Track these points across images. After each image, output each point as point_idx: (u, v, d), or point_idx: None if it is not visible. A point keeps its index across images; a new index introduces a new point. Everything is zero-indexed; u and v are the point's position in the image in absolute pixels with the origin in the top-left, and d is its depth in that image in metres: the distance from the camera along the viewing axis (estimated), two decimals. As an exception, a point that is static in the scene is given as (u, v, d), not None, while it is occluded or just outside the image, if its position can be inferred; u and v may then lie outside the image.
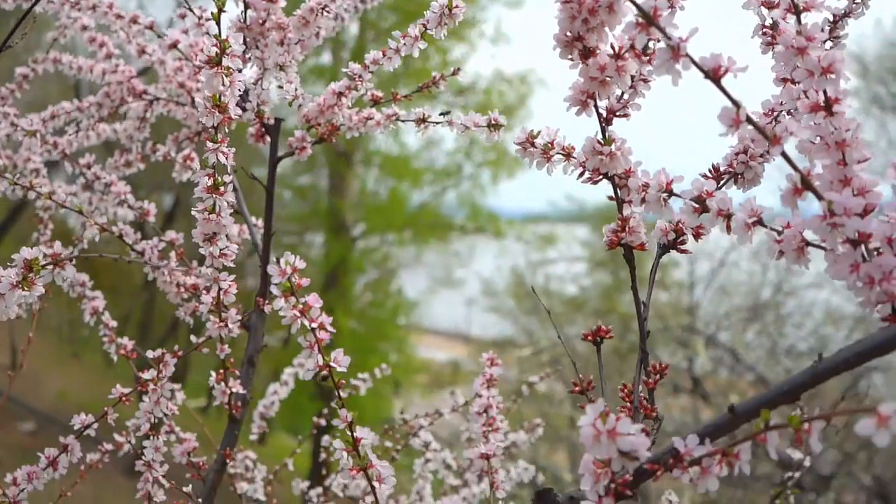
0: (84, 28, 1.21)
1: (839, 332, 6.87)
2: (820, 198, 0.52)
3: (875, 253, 0.53)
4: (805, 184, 0.52)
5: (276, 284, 0.62)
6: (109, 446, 1.14)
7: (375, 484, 0.66)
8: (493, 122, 0.85)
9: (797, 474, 1.09)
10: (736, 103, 0.52)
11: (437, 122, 0.96)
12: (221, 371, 0.98)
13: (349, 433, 0.66)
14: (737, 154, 0.70)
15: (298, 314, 0.63)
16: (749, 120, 0.51)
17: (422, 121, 0.97)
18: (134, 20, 1.11)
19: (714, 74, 0.52)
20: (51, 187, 1.20)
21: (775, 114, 0.70)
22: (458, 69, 1.02)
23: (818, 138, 0.55)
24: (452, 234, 12.45)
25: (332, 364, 0.64)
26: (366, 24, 9.18)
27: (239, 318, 0.93)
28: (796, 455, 1.11)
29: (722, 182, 0.70)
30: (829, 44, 0.73)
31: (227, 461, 1.00)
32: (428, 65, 11.05)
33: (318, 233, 11.90)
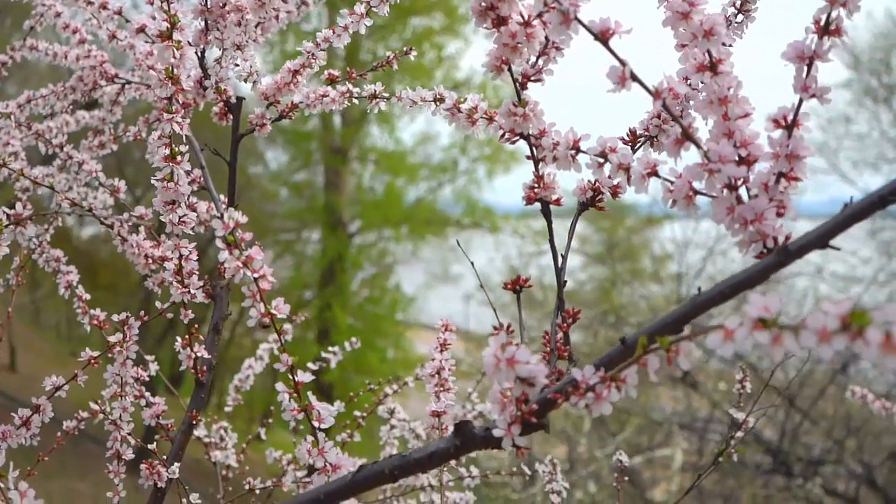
0: (58, 15, 1.26)
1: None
2: (699, 147, 0.57)
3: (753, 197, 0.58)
4: (686, 135, 0.58)
5: (219, 237, 0.68)
6: (85, 414, 1.19)
7: (315, 423, 0.71)
8: (437, 97, 0.90)
9: (740, 433, 1.15)
10: (622, 62, 0.57)
11: (387, 97, 1.02)
12: (187, 336, 1.03)
13: (291, 377, 0.71)
14: (651, 118, 0.75)
15: (241, 265, 0.68)
16: (633, 77, 0.57)
17: (373, 97, 1.02)
18: (103, 6, 1.16)
19: (603, 36, 0.57)
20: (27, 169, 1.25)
21: (689, 80, 0.76)
22: (411, 49, 1.08)
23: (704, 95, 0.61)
24: (449, 229, 12.50)
25: (273, 311, 0.70)
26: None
27: (201, 284, 0.98)
28: (739, 415, 1.17)
29: (639, 144, 0.75)
30: (740, 17, 0.79)
31: (194, 423, 1.06)
32: (423, 61, 11.11)
33: (314, 229, 11.95)
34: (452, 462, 1.37)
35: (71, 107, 1.27)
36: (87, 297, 1.18)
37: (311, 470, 0.69)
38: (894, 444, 6.04)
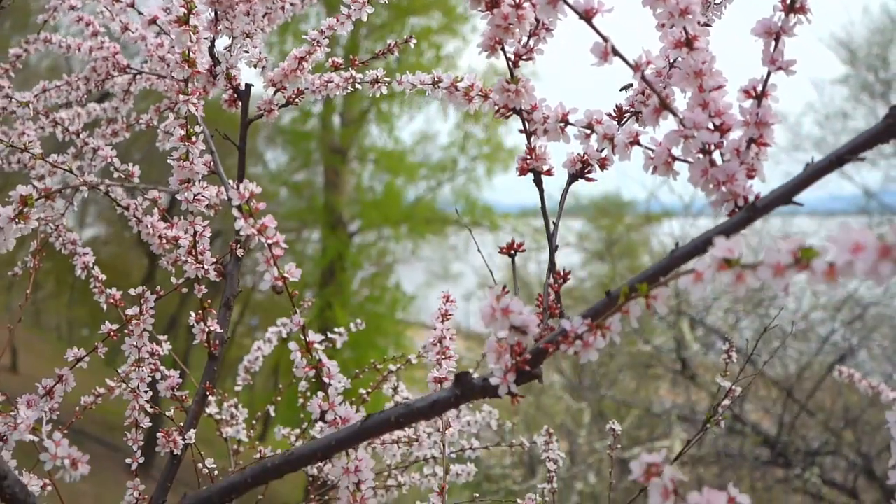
0: (72, 7, 1.32)
1: (825, 313, 6.99)
2: (676, 115, 0.63)
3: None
4: (663, 104, 0.63)
5: (235, 207, 0.73)
6: (102, 390, 1.24)
7: (326, 380, 0.77)
8: (436, 79, 0.96)
9: (727, 402, 1.20)
10: (604, 38, 0.62)
11: (388, 82, 1.07)
12: (200, 311, 1.09)
13: (302, 337, 0.77)
14: (636, 94, 0.80)
15: (256, 232, 0.74)
16: (615, 51, 0.62)
17: (375, 81, 1.08)
18: (116, -1, 1.22)
19: (587, 15, 0.63)
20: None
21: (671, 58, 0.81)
22: (411, 37, 1.13)
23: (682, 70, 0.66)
24: (448, 228, 12.55)
25: (286, 275, 0.75)
26: (359, 19, 9.28)
27: (213, 259, 1.03)
28: (725, 383, 1.22)
29: (625, 119, 0.81)
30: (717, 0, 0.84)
31: (207, 393, 1.11)
32: (422, 60, 11.17)
33: (314, 229, 12.00)
34: (456, 437, 1.42)
35: (84, 97, 1.32)
36: (103, 277, 1.23)
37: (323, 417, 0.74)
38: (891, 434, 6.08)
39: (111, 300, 1.18)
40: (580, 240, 10.19)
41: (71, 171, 1.11)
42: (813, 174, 0.58)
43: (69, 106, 1.36)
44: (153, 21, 1.19)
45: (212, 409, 1.42)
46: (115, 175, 1.20)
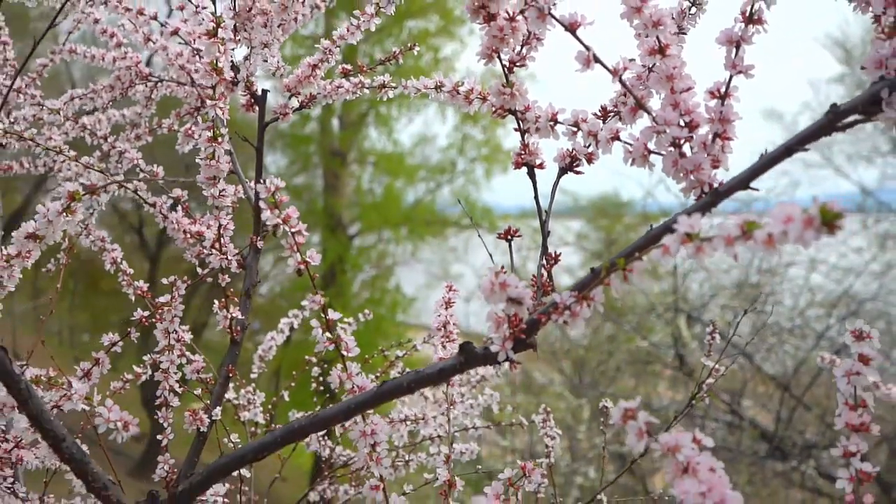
0: (96, 21, 1.41)
1: (821, 310, 7.09)
2: (649, 114, 0.72)
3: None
4: (638, 104, 0.73)
5: (262, 199, 0.83)
6: (129, 375, 1.33)
7: (344, 353, 0.86)
8: (438, 83, 1.05)
9: (710, 381, 1.29)
10: (587, 47, 0.72)
11: (394, 87, 1.17)
12: (223, 299, 1.18)
13: (323, 315, 0.86)
14: (618, 96, 0.90)
15: (281, 221, 0.83)
16: (596, 59, 0.72)
17: (382, 86, 1.17)
18: (140, 12, 1.31)
19: (572, 27, 0.72)
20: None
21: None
22: (414, 44, 1.23)
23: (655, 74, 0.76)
24: (448, 230, 12.64)
25: (308, 259, 0.84)
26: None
27: (237, 251, 1.13)
28: (708, 362, 1.31)
29: (609, 118, 0.90)
30: (693, 9, 0.94)
31: (230, 375, 1.20)
32: (420, 63, 11.27)
33: (314, 232, 12.09)
34: (461, 416, 1.52)
35: (109, 104, 1.42)
36: (131, 271, 1.33)
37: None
38: (886, 428, 6.18)
39: (139, 292, 1.28)
40: (579, 239, 10.27)
41: (102, 172, 1.20)
42: (767, 163, 0.68)
43: (92, 112, 1.46)
44: (175, 32, 1.29)
45: (229, 395, 1.51)
46: (141, 176, 1.29)
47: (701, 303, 6.49)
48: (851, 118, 0.66)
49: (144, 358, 1.29)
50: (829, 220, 0.48)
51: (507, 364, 0.77)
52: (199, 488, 0.80)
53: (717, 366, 1.29)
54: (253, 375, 1.66)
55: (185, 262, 1.36)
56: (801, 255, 7.86)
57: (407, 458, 1.48)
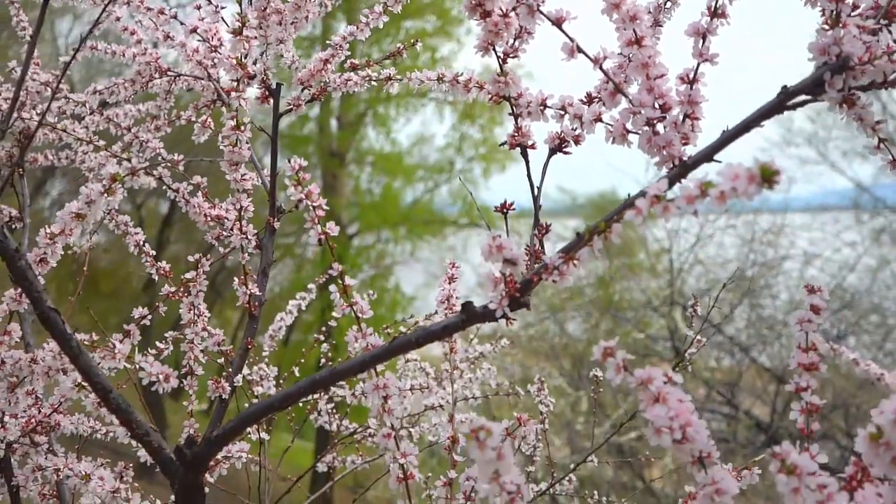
0: (118, 19, 1.51)
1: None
2: (626, 97, 0.83)
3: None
4: (617, 89, 0.83)
5: (287, 176, 0.93)
6: (153, 351, 1.43)
7: (359, 315, 0.96)
8: (440, 75, 1.15)
9: (693, 350, 1.39)
10: (571, 39, 0.82)
11: (399, 79, 1.27)
12: (243, 276, 1.28)
13: (340, 281, 0.96)
14: (601, 83, 1.00)
15: (304, 197, 0.93)
16: (579, 49, 0.82)
17: (388, 79, 1.28)
18: (161, 11, 1.41)
19: (558, 22, 0.82)
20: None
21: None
22: (417, 40, 1.33)
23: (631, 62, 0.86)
24: (446, 229, 12.73)
25: (327, 231, 0.95)
26: (354, 19, 9.52)
27: (255, 232, 1.23)
28: (689, 332, 1.41)
29: (593, 103, 1.00)
30: (668, 4, 1.04)
31: (249, 347, 1.31)
32: (417, 62, 11.38)
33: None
34: (461, 389, 1.62)
35: (130, 97, 1.52)
36: (153, 252, 1.43)
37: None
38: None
39: (162, 272, 1.38)
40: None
41: (128, 161, 1.30)
42: (727, 138, 0.78)
43: (117, 105, 1.56)
44: (194, 30, 1.39)
45: (244, 371, 1.61)
46: (162, 165, 1.39)
47: (697, 294, 6.60)
48: (800, 98, 0.76)
49: (166, 335, 1.39)
50: (768, 177, 0.59)
51: (503, 339, 0.88)
52: (231, 434, 0.90)
53: (698, 336, 1.39)
54: (264, 353, 1.77)
55: (182, 263, 1.46)
56: (795, 248, 7.98)
57: (411, 432, 1.58)
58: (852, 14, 0.79)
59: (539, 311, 8.43)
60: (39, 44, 1.59)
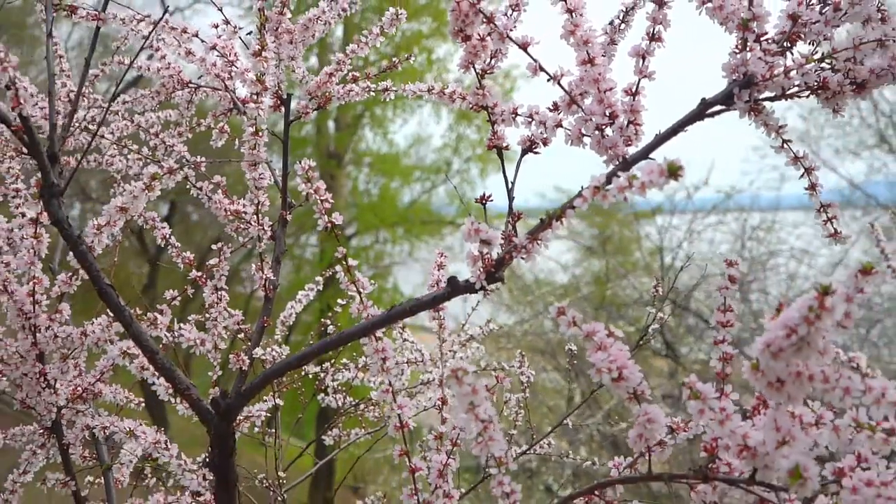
0: (145, 38, 1.69)
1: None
2: (580, 107, 1.01)
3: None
4: (572, 100, 1.01)
5: (299, 175, 1.11)
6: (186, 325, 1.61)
7: (361, 290, 1.15)
8: (430, 87, 1.34)
9: (656, 326, 1.57)
10: (534, 59, 1.01)
11: (395, 90, 1.45)
12: (259, 263, 1.47)
13: (345, 262, 1.15)
14: (563, 96, 1.18)
15: (313, 192, 1.12)
16: (541, 68, 1.00)
17: (386, 90, 1.46)
18: (184, 30, 1.60)
19: (523, 46, 1.01)
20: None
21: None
22: (410, 55, 1.51)
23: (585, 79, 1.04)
24: (444, 229, 12.90)
25: (333, 220, 1.13)
26: (350, 28, 9.72)
27: (270, 224, 1.41)
28: (660, 315, 1.60)
29: (557, 111, 1.19)
30: (623, 25, 1.22)
31: (265, 326, 1.49)
32: (413, 64, 11.55)
33: (312, 233, 12.36)
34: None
35: (157, 106, 1.70)
36: (178, 244, 1.61)
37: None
38: None
39: (186, 261, 1.56)
40: (572, 235, 10.56)
41: (158, 162, 1.48)
42: (659, 140, 0.96)
43: (142, 114, 1.74)
44: (213, 47, 1.57)
45: (257, 352, 1.79)
46: (187, 166, 1.57)
47: (686, 290, 6.80)
48: (717, 108, 0.95)
49: (189, 318, 1.57)
50: (673, 171, 0.77)
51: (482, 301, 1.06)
52: (257, 388, 1.08)
53: (661, 314, 1.57)
54: (276, 337, 1.95)
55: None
56: (786, 244, 8.17)
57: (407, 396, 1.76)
58: (763, 38, 0.97)
59: (534, 307, 8.62)
60: (39, 46, 1.76)
